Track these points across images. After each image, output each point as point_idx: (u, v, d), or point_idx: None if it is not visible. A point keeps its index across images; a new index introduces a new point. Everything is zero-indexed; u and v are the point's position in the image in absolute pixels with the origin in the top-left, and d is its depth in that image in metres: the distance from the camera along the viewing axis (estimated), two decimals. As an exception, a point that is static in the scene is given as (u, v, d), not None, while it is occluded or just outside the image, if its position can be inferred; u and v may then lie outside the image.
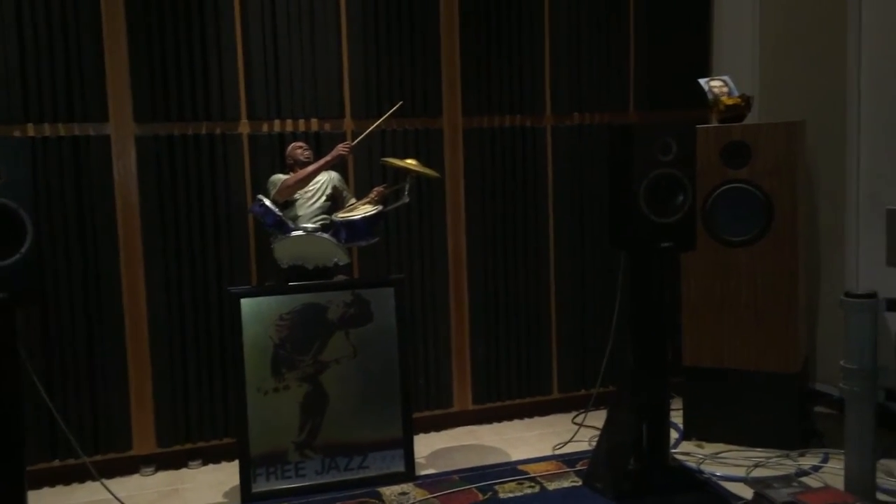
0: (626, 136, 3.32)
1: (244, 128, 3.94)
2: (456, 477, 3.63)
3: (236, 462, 3.55)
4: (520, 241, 4.40)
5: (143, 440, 3.85)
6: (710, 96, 4.07)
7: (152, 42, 3.75)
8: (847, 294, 2.74)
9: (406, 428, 3.66)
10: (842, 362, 2.74)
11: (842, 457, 2.84)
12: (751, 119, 4.12)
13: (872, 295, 2.69)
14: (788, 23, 4.38)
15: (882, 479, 3.26)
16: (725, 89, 4.08)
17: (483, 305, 4.36)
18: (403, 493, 3.47)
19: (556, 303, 4.48)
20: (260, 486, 3.49)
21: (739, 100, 4.00)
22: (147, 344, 3.83)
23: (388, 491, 3.50)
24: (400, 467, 3.63)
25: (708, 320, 3.95)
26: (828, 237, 4.24)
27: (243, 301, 3.51)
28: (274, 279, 3.80)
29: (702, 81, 4.13)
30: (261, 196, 3.64)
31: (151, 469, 3.86)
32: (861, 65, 3.97)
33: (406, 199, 3.70)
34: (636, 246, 3.33)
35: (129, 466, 3.85)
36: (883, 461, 3.54)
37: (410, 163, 3.73)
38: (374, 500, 3.42)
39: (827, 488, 2.86)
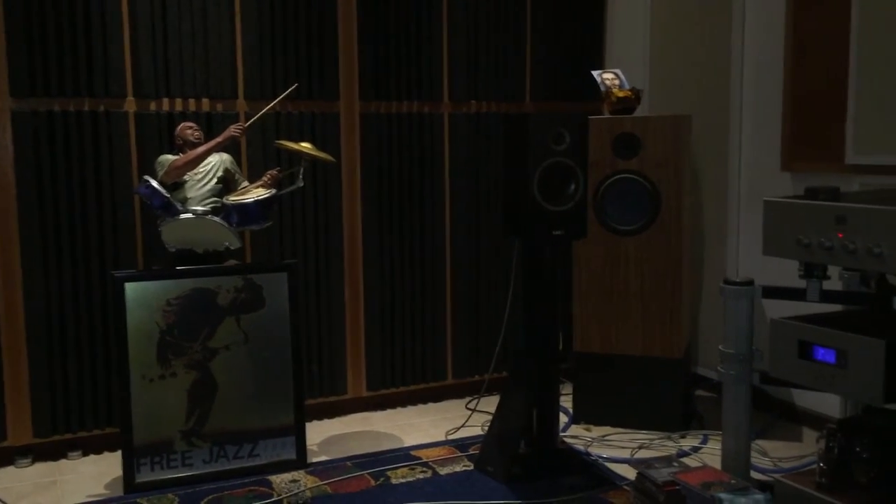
0: (521, 125, 3.36)
1: (130, 105, 3.79)
2: (349, 463, 3.61)
3: (119, 452, 3.43)
4: (416, 228, 4.40)
5: (19, 430, 3.67)
6: (602, 88, 4.16)
7: (31, 11, 3.55)
8: (726, 281, 2.85)
9: (298, 415, 3.61)
10: (720, 347, 2.85)
11: (720, 437, 2.96)
12: (641, 112, 4.24)
13: (750, 282, 2.81)
14: (677, 19, 4.53)
15: (756, 459, 3.43)
16: (617, 82, 4.18)
17: (378, 292, 4.34)
18: (294, 481, 3.43)
19: (452, 289, 4.51)
20: (144, 477, 3.38)
21: (630, 92, 4.11)
22: (23, 329, 3.64)
23: (279, 479, 3.45)
24: (291, 455, 3.58)
25: (598, 307, 4.05)
26: (711, 227, 4.42)
27: (128, 285, 3.38)
28: (161, 263, 3.68)
29: (595, 73, 4.23)
30: (147, 177, 3.51)
31: (28, 460, 3.68)
32: (743, 63, 4.14)
33: (300, 184, 3.64)
34: (529, 233, 3.38)
35: (4, 458, 3.66)
36: (757, 441, 3.73)
37: (305, 146, 3.68)
38: (264, 489, 3.36)
39: (705, 467, 2.98)
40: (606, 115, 4.14)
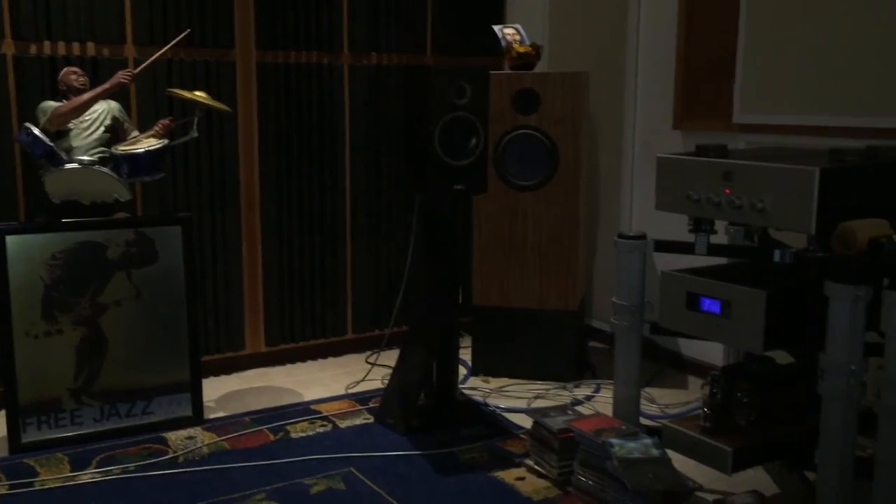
0: (422, 78, 3.34)
1: (8, 48, 3.56)
2: (247, 419, 3.57)
3: (3, 412, 3.28)
4: (315, 181, 4.33)
5: None
6: (503, 43, 4.17)
7: None
8: (620, 235, 2.93)
9: (194, 371, 3.53)
10: (614, 299, 2.94)
11: (612, 386, 3.07)
12: (540, 68, 4.28)
13: (642, 236, 2.90)
14: (577, -23, 4.57)
15: (645, 406, 3.58)
16: (518, 37, 4.19)
17: (277, 246, 4.27)
18: (190, 438, 3.37)
19: (352, 244, 4.48)
20: (31, 437, 3.26)
21: (530, 48, 4.13)
22: None
23: (175, 436, 3.38)
24: (187, 412, 3.51)
25: (497, 261, 4.11)
26: (606, 183, 4.53)
27: (9, 238, 3.21)
28: (45, 215, 3.50)
29: (496, 28, 4.22)
30: (29, 124, 3.32)
31: None
32: (640, 24, 4.23)
33: (194, 134, 3.52)
34: (430, 187, 3.38)
35: None
36: (647, 389, 3.89)
37: (199, 95, 3.55)
38: (159, 446, 3.29)
39: (597, 415, 3.09)
40: (507, 71, 4.16)
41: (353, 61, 4.37)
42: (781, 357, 2.90)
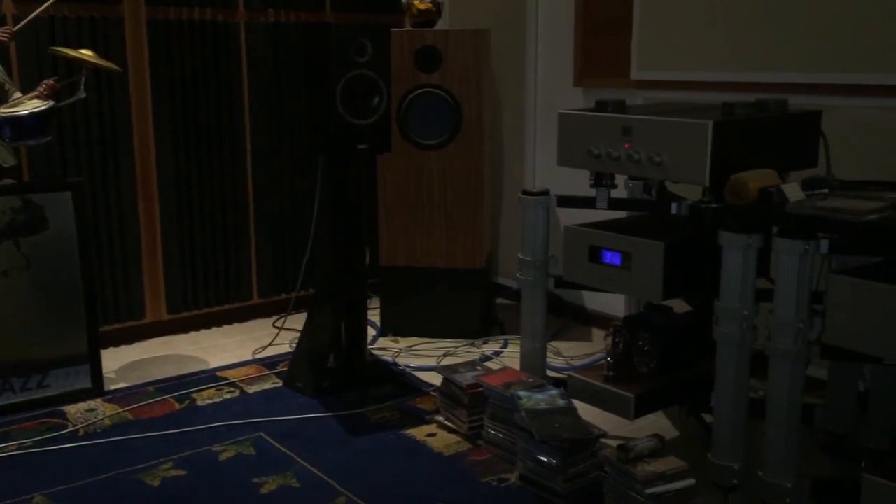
0: (322, 35, 3.26)
1: None
2: (150, 388, 3.48)
3: None
4: (214, 143, 4.20)
5: None
6: (403, 0, 4.11)
7: None
8: (524, 192, 2.96)
9: (92, 342, 3.41)
10: (519, 255, 2.98)
11: (519, 341, 3.12)
12: (442, 25, 4.25)
13: (545, 192, 2.93)
14: (477, -67, 4.54)
15: (551, 359, 3.66)
16: (418, -6, 4.14)
17: (176, 210, 4.14)
18: (91, 410, 3.27)
19: (255, 207, 4.38)
20: (-84, 418, 3.10)
21: (431, 5, 4.09)
22: None
23: (74, 409, 3.27)
24: (86, 384, 3.40)
25: (403, 221, 4.10)
26: (510, 140, 4.56)
27: None
28: (-79, 183, 3.29)
29: (396, -15, 4.17)
30: None
31: None
32: (540, -21, 4.24)
33: (82, 95, 3.36)
34: (333, 147, 3.33)
35: None
36: (553, 343, 3.98)
37: (86, 53, 3.38)
38: (57, 420, 3.18)
39: (505, 369, 3.14)
40: (408, 28, 4.11)
41: (250, 18, 4.23)
42: (679, 306, 3.01)
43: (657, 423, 3.13)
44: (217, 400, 3.38)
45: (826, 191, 2.45)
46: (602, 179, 2.77)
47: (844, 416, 2.79)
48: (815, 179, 2.49)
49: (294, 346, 3.80)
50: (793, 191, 2.39)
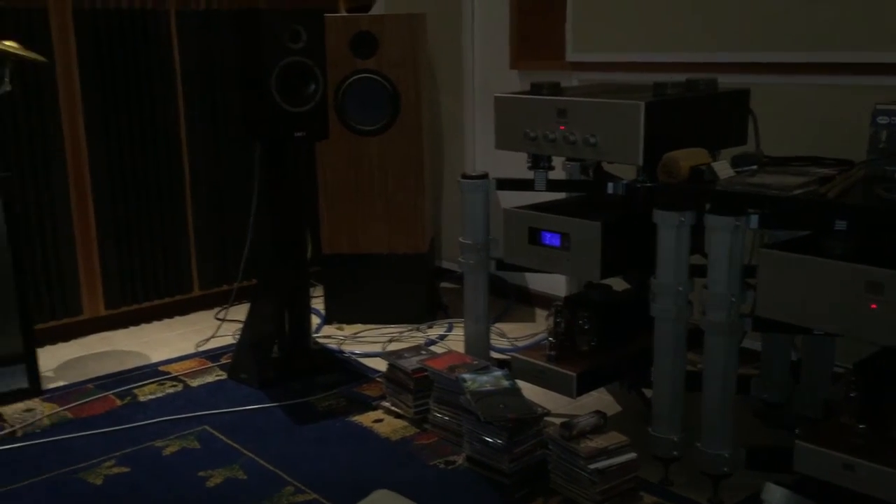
0: (254, 22, 3.21)
1: None
2: (90, 386, 3.42)
3: None
4: (148, 133, 4.12)
5: None
6: (337, -15, 4.08)
7: None
8: (464, 176, 2.97)
9: (27, 340, 3.33)
10: (460, 238, 2.99)
11: (463, 324, 3.14)
12: (377, 10, 4.22)
13: (484, 175, 2.95)
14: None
15: (495, 340, 3.70)
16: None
17: (111, 203, 4.05)
18: (29, 410, 3.19)
19: (192, 197, 4.31)
20: None
21: (365, -10, 4.07)
22: None
23: (11, 409, 3.19)
24: (23, 383, 3.31)
25: (344, 208, 4.08)
26: (449, 124, 4.57)
27: None
28: None
29: (329, -31, 4.12)
30: None
31: None
32: (474, -38, 4.24)
33: (7, 87, 3.25)
34: (270, 136, 3.30)
35: None
36: (496, 325, 4.01)
37: (9, 45, 3.27)
38: (-7, 423, 3.10)
39: (450, 353, 3.16)
40: (343, 14, 4.08)
41: (180, 6, 4.15)
42: (618, 284, 3.06)
43: (600, 400, 3.19)
44: (160, 395, 3.33)
45: (755, 167, 2.51)
46: (539, 162, 2.79)
47: (779, 385, 2.89)
48: (745, 156, 2.56)
49: (237, 337, 3.77)
50: (723, 168, 2.45)
